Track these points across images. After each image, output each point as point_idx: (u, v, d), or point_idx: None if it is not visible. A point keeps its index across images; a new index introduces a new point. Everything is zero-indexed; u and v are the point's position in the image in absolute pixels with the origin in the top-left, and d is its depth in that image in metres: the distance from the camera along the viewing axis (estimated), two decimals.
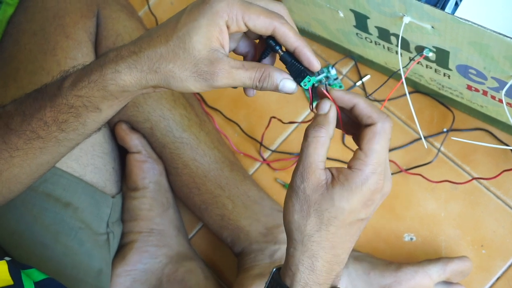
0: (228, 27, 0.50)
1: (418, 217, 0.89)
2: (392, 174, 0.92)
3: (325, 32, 0.94)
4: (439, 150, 0.91)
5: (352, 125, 0.53)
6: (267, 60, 0.55)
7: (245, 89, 0.55)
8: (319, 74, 0.52)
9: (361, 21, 0.80)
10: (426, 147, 0.90)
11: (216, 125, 0.96)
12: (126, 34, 0.86)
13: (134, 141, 0.86)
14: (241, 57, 0.58)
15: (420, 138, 0.90)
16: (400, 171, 0.91)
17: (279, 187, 0.95)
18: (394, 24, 0.74)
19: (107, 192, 0.83)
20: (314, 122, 0.49)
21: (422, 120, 0.91)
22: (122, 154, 0.89)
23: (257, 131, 0.96)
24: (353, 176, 0.47)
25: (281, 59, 0.53)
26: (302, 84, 0.52)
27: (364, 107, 0.49)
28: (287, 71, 0.52)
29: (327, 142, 0.49)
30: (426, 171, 0.89)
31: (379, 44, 0.84)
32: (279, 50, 0.53)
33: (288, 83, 0.51)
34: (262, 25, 0.50)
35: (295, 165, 0.50)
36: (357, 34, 0.85)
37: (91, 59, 0.82)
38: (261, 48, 0.56)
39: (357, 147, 0.50)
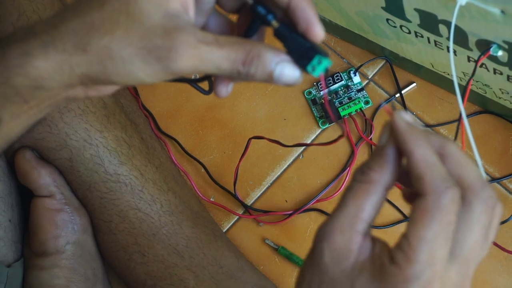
0: None
1: None
2: None
3: (341, 18, 0.83)
4: None
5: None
6: (254, 39, 0.49)
7: (215, 84, 0.49)
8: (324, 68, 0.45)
9: (393, 0, 0.71)
10: None
11: (172, 155, 0.84)
12: (34, 14, 0.72)
13: (43, 179, 0.73)
14: None
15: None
16: None
17: (269, 252, 0.81)
18: (444, 7, 0.65)
19: (0, 259, 0.71)
20: (366, 161, 0.44)
21: (489, 153, 0.81)
22: (25, 198, 0.76)
23: (234, 168, 0.83)
24: (389, 274, 0.39)
25: (276, 33, 0.47)
26: (309, 68, 0.45)
27: (417, 161, 0.39)
28: (286, 51, 0.47)
29: (379, 193, 0.41)
30: (498, 235, 0.75)
31: (422, 37, 0.74)
32: (273, 21, 0.47)
33: (288, 69, 0.45)
34: None
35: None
36: (388, 20, 0.75)
37: None
38: (245, 23, 0.50)
39: None
